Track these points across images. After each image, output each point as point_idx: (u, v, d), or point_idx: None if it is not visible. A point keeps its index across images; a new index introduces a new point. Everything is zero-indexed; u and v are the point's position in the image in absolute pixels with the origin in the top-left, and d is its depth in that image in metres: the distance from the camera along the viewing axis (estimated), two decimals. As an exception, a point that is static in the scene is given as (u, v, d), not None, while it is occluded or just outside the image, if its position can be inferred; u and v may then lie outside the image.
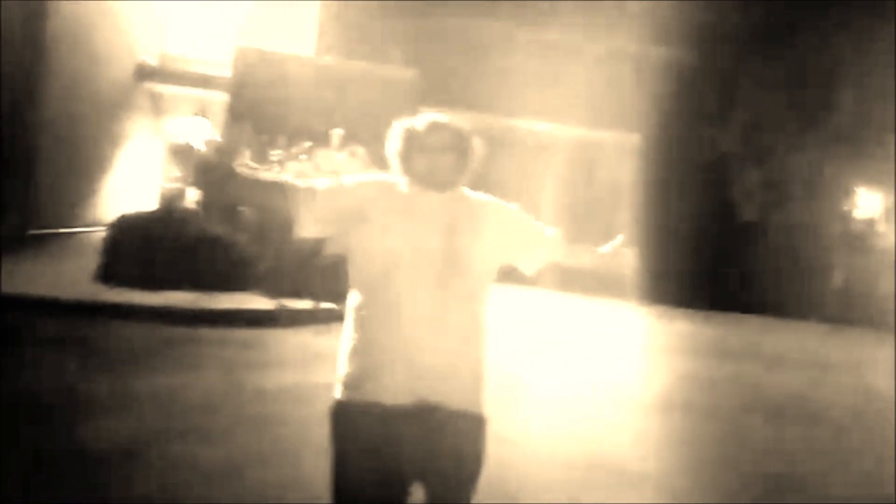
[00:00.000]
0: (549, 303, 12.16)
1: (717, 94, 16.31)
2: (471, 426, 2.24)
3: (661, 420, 6.33)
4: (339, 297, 10.10)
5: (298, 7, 16.80)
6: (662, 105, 15.85)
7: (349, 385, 2.20)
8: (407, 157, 2.30)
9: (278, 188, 2.27)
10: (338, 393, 2.23)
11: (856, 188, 16.67)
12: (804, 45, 15.91)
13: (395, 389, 2.15)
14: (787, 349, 11.53)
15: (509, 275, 2.50)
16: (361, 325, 2.22)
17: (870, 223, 16.61)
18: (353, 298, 2.26)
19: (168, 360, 6.55)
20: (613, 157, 16.63)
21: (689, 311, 13.94)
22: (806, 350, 11.73)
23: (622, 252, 2.55)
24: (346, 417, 2.20)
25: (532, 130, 15.73)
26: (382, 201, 2.24)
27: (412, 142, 2.30)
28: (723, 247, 16.11)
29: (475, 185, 2.39)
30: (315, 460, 3.99)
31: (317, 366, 6.59)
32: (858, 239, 16.52)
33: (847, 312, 15.17)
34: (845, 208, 16.77)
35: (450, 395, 2.19)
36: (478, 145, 2.36)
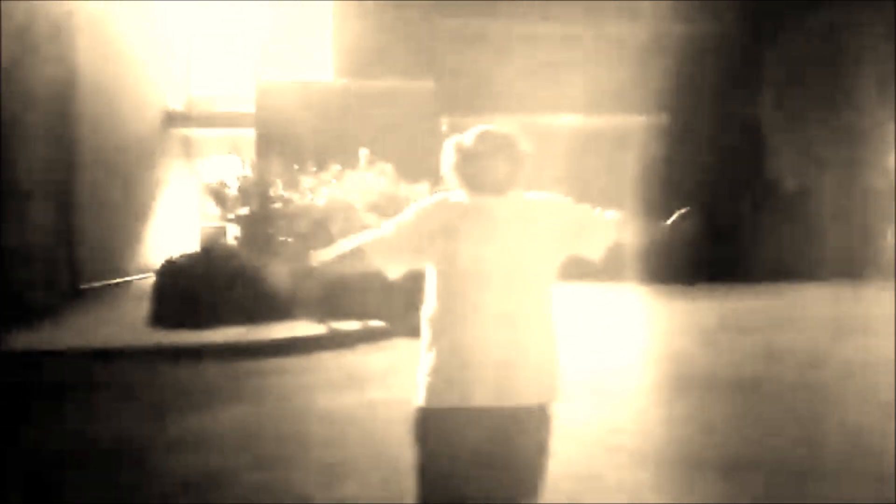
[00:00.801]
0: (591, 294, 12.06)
1: (744, 62, 16.07)
2: (545, 421, 2.33)
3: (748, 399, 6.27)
4: (387, 315, 10.03)
5: (313, 34, 17.03)
6: (690, 82, 15.69)
7: (435, 391, 2.26)
8: (461, 168, 2.40)
9: (355, 255, 2.41)
10: (422, 400, 2.29)
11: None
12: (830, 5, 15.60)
13: (482, 391, 2.23)
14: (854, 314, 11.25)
15: None
16: (441, 333, 2.29)
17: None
18: (430, 310, 2.34)
19: (229, 393, 6.66)
20: (645, 139, 16.44)
21: (742, 284, 13.75)
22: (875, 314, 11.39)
23: (685, 223, 2.57)
24: (435, 423, 2.26)
25: (557, 123, 15.65)
26: (446, 217, 2.34)
27: (463, 153, 2.41)
28: (766, 217, 15.85)
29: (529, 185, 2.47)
30: (393, 473, 4.04)
31: (374, 383, 6.66)
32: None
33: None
34: (888, 164, 16.36)
35: (530, 393, 2.28)
36: (527, 146, 2.44)
